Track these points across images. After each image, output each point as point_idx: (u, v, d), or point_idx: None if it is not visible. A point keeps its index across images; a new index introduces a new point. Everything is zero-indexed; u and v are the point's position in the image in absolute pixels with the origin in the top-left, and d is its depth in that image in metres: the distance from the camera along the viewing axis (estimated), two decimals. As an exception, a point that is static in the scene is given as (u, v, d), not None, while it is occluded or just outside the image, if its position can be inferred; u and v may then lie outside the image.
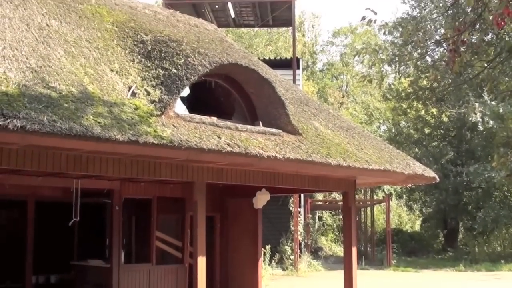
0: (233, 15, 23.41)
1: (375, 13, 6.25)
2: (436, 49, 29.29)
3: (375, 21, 6.25)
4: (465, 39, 5.92)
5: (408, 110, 32.22)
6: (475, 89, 25.50)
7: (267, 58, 24.68)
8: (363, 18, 6.37)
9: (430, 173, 12.42)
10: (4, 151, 7.01)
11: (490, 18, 5.78)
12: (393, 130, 35.68)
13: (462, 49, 5.92)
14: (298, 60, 23.14)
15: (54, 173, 8.96)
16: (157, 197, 11.93)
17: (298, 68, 23.01)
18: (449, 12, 24.76)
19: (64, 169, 7.57)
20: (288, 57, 24.65)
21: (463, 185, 28.50)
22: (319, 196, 29.55)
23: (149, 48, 9.21)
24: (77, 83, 7.69)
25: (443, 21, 26.11)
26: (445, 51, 27.02)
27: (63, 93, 7.19)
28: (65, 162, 7.49)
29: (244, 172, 9.68)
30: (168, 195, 12.11)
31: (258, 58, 18.65)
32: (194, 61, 8.62)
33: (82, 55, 8.65)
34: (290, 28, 28.54)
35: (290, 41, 42.70)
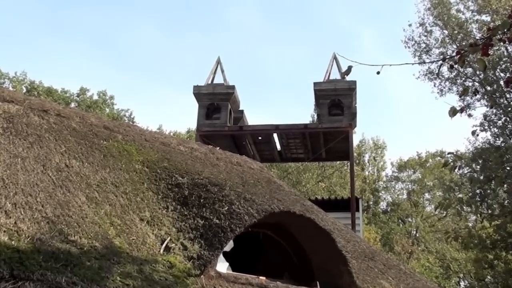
0: (279, 147, 23.79)
1: (460, 159, 6.35)
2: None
3: (460, 167, 6.36)
4: None
5: (495, 262, 31.53)
6: None
7: (319, 197, 24.78)
8: (446, 164, 6.47)
9: None
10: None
11: None
12: (476, 287, 34.79)
13: None
14: (357, 200, 23.07)
15: None
16: None
17: (358, 210, 22.89)
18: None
19: None
20: (345, 197, 24.68)
21: None
22: None
23: (186, 193, 9.42)
24: (101, 235, 7.84)
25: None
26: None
27: (85, 249, 7.32)
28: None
29: None
30: None
31: (309, 198, 18.77)
32: (239, 209, 8.76)
33: (107, 201, 8.87)
34: (347, 161, 28.81)
35: (346, 176, 42.98)
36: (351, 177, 23.18)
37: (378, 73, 5.77)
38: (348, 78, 21.91)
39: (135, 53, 79.68)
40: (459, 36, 30.59)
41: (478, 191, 29.63)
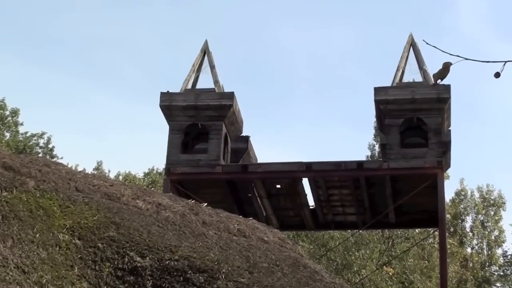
0: (312, 204, 23.77)
1: None
2: None
3: None
4: None
5: None
6: None
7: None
8: None
9: None
10: None
11: None
12: None
13: None
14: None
15: None
16: None
17: (454, 316, 23.00)
18: None
19: None
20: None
21: None
22: None
23: (149, 284, 9.46)
24: None
25: None
26: None
27: None
28: None
29: None
30: None
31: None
32: (244, 314, 8.80)
33: (9, 298, 8.91)
34: (434, 229, 28.77)
35: (433, 256, 43.10)
36: (442, 257, 23.19)
37: (497, 75, 5.71)
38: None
39: (56, 33, 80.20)
40: None
41: None
